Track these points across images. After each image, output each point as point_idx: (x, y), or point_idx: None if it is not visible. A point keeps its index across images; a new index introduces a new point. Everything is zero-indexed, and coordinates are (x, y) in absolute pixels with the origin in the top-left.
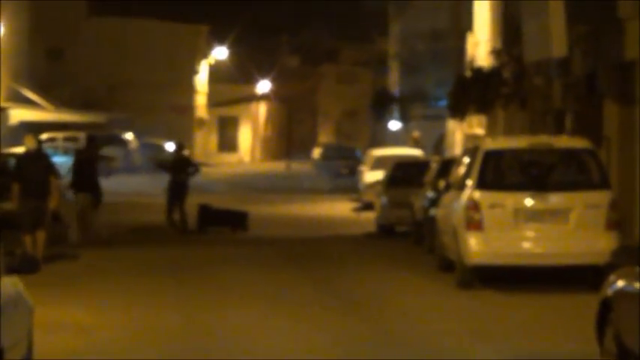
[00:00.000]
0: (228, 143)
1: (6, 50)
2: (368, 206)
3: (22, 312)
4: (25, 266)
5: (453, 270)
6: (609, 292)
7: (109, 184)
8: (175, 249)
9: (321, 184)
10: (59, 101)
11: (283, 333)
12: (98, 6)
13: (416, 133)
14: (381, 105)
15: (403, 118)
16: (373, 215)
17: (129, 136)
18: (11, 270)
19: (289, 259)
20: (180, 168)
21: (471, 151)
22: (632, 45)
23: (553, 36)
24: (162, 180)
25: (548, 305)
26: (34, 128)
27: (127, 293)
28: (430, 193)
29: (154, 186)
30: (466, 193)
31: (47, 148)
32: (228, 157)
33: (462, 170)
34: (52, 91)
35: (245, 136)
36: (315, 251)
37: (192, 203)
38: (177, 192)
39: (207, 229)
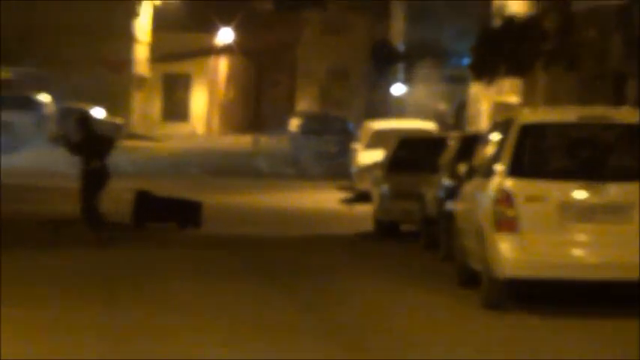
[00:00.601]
0: (176, 110)
1: None
2: (363, 197)
3: None
4: None
5: (478, 284)
6: None
7: (11, 160)
8: (101, 253)
9: (301, 167)
10: None
11: None
12: None
13: (442, 106)
14: (381, 62)
15: (410, 81)
16: (370, 209)
17: (43, 98)
18: None
19: (256, 269)
20: (93, 151)
21: (502, 125)
22: None
23: None
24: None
25: (603, 332)
26: None
27: (35, 317)
28: (447, 181)
29: (74, 164)
30: (495, 182)
31: None
32: (177, 128)
33: (489, 151)
34: None
35: (199, 101)
36: (291, 258)
37: (126, 188)
38: (94, 181)
39: (145, 225)
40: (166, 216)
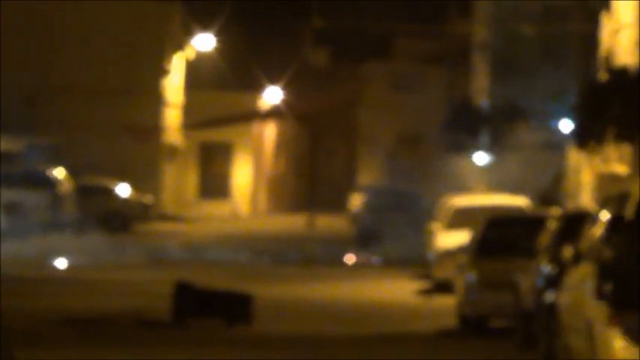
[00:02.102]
0: (215, 185)
1: None
2: (443, 287)
3: None
4: None
5: None
6: None
7: (18, 247)
8: (138, 354)
9: (366, 252)
10: None
11: None
12: None
13: (538, 178)
14: (462, 126)
15: (496, 148)
16: (452, 301)
17: (57, 173)
18: None
19: None
20: None
21: (615, 200)
22: None
23: None
24: (116, 243)
25: None
26: None
27: None
28: (547, 267)
29: (102, 251)
30: None
31: None
32: (216, 207)
33: (600, 231)
34: None
35: (242, 175)
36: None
37: (163, 280)
38: None
39: (187, 322)
40: (211, 311)
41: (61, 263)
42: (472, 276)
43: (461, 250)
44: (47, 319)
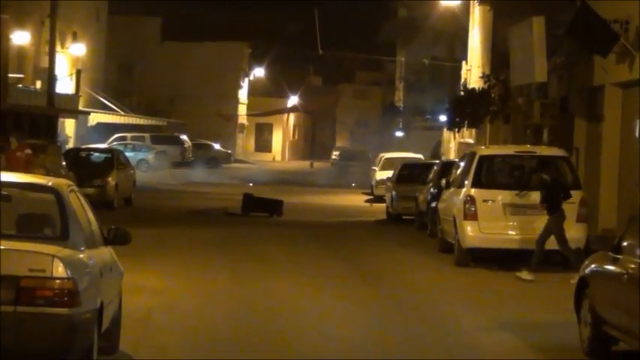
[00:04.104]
0: (263, 145)
1: (86, 65)
2: (379, 199)
3: (115, 276)
4: (119, 239)
5: (452, 251)
6: (586, 271)
7: (165, 174)
8: (223, 229)
9: (339, 180)
10: (129, 108)
11: (314, 299)
12: (164, 31)
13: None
14: (389, 117)
15: (406, 128)
16: (383, 206)
17: (184, 137)
18: (107, 242)
19: (317, 239)
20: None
21: (467, 156)
22: (598, 73)
23: (535, 64)
24: (208, 171)
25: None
26: (108, 129)
27: (190, 264)
28: (432, 189)
29: (205, 177)
30: (464, 190)
31: (118, 145)
32: (264, 157)
33: (459, 171)
34: (123, 99)
35: (277, 140)
36: (337, 233)
37: (237, 192)
38: None
39: (249, 214)
40: (261, 208)
41: (184, 182)
42: (394, 193)
43: (388, 179)
44: (178, 211)
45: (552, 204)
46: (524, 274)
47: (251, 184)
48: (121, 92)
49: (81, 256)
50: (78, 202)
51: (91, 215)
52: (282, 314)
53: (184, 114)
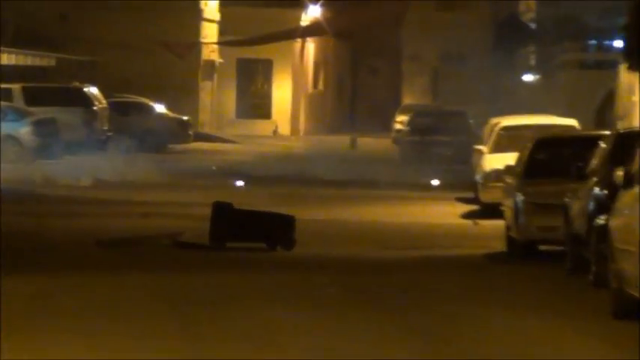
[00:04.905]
0: (255, 104)
1: None
2: (491, 210)
3: None
4: None
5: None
6: None
7: (53, 167)
8: (172, 277)
9: (410, 173)
10: None
11: None
12: None
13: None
14: (507, 44)
15: (542, 66)
16: (500, 225)
17: (93, 90)
18: None
19: (361, 296)
20: None
21: None
22: None
23: None
24: (142, 159)
25: None
26: None
27: (102, 350)
28: (598, 190)
29: (137, 170)
30: None
31: None
32: (256, 127)
33: None
34: None
35: (283, 94)
36: (402, 283)
37: (202, 202)
38: None
39: (224, 245)
40: (251, 234)
41: (92, 183)
42: (520, 199)
43: (508, 171)
44: (81, 240)
45: None
46: None
47: (239, 184)
48: None
49: None
50: None
51: None
52: None
53: (91, 43)
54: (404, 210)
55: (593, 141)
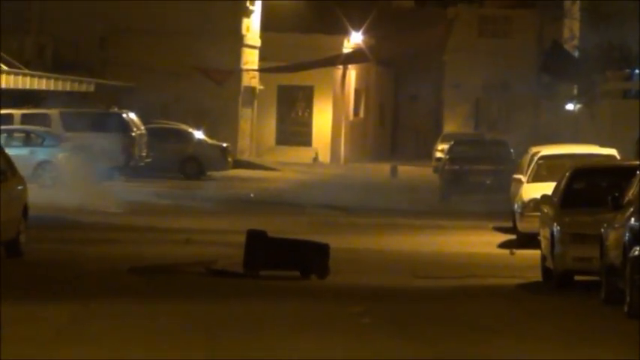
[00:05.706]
0: (295, 131)
1: None
2: (528, 240)
3: None
4: None
5: None
6: None
7: (96, 194)
8: (213, 303)
9: (449, 202)
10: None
11: None
12: None
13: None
14: (555, 72)
15: (585, 94)
16: (537, 255)
17: (132, 115)
18: None
19: (395, 327)
20: None
21: None
22: None
23: None
24: (180, 185)
25: None
26: None
27: None
28: (635, 221)
29: (175, 197)
30: None
31: None
32: (296, 155)
33: None
34: (10, 42)
35: (323, 121)
36: (438, 313)
37: (237, 229)
38: None
39: (258, 273)
40: (285, 262)
41: (128, 209)
42: (556, 229)
43: (546, 201)
44: (115, 267)
45: None
46: None
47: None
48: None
49: None
50: None
51: None
52: None
53: (130, 68)
54: (441, 239)
55: (630, 171)
